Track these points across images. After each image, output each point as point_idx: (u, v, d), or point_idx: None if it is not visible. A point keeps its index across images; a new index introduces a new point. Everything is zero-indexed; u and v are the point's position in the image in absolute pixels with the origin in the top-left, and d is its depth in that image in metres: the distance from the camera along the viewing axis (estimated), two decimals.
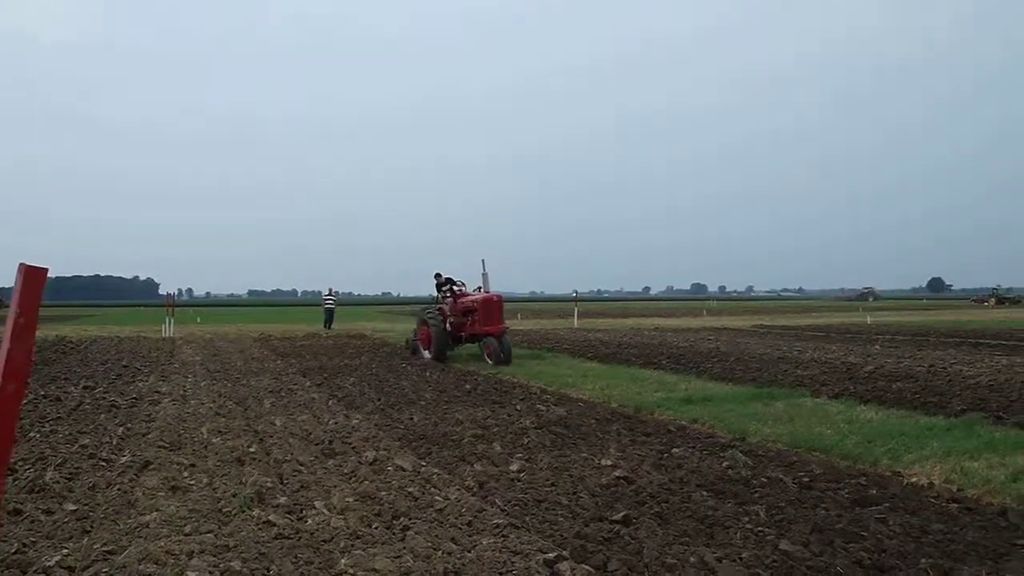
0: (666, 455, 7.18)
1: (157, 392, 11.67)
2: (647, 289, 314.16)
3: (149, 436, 8.00)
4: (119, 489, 5.84)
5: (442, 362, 17.15)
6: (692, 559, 4.29)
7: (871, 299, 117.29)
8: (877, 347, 20.53)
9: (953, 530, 4.86)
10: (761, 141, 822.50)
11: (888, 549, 4.48)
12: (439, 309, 18.47)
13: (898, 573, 4.15)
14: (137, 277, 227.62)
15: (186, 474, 6.36)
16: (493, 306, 17.64)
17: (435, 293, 19.65)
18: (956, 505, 5.47)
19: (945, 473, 6.36)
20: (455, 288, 19.09)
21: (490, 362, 16.70)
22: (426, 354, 18.15)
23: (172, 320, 29.46)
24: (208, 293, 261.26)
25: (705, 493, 5.76)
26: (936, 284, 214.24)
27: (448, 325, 17.94)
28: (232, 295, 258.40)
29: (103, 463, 6.75)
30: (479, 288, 19.01)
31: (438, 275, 19.52)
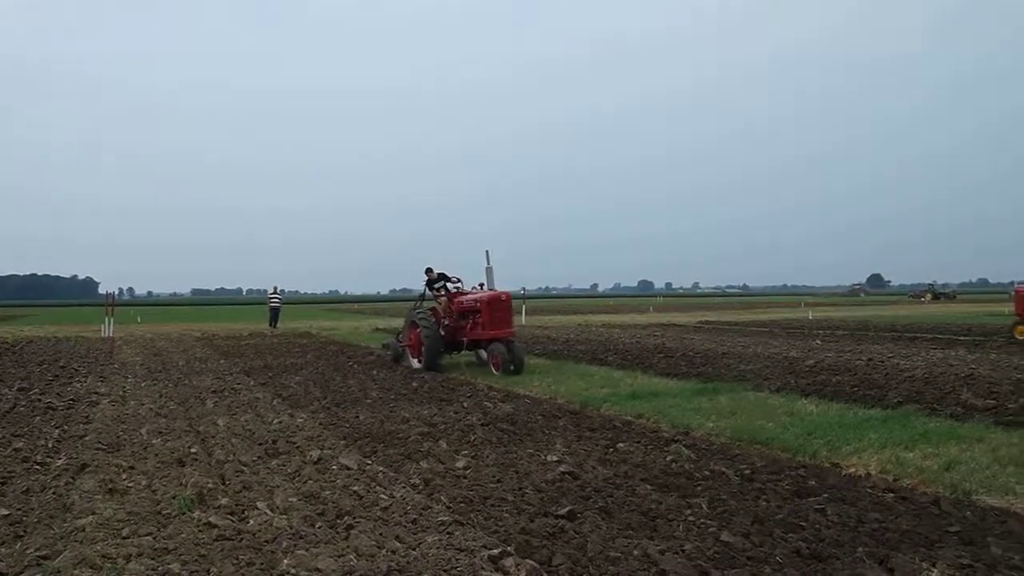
0: (611, 450, 7.25)
1: (95, 393, 11.39)
2: (595, 286, 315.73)
3: (86, 438, 7.80)
4: (54, 492, 5.70)
5: (437, 371, 14.50)
6: (635, 552, 4.34)
7: (862, 295, 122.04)
8: (818, 342, 21.02)
9: (889, 519, 5.00)
10: (708, 142, 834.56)
11: (826, 538, 4.59)
12: (431, 310, 16.13)
13: (835, 562, 4.25)
14: (76, 276, 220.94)
15: (124, 476, 6.22)
16: (501, 306, 14.97)
17: (425, 290, 17.01)
18: (892, 495, 5.62)
19: (882, 464, 6.55)
20: (449, 286, 16.67)
21: (497, 373, 13.97)
22: (415, 362, 15.52)
23: (112, 320, 28.84)
24: (150, 292, 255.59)
25: (649, 487, 5.83)
26: (875, 280, 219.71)
27: (442, 329, 15.55)
28: (175, 294, 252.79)
29: (38, 466, 6.57)
30: (481, 285, 16.36)
31: (429, 270, 16.78)
